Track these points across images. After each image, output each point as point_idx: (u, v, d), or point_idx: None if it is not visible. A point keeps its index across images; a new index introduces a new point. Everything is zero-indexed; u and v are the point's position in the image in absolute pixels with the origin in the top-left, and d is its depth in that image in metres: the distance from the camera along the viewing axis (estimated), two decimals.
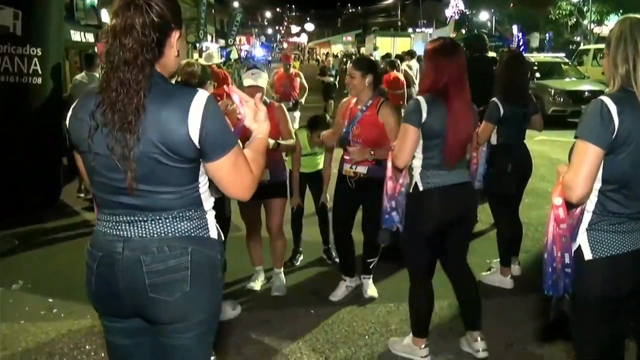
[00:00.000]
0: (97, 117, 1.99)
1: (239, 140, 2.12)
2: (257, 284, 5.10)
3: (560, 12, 33.10)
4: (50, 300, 4.84)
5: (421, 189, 3.58)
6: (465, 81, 3.56)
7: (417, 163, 3.60)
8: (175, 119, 1.96)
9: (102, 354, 3.95)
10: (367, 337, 4.22)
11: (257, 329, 4.32)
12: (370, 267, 4.89)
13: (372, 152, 4.37)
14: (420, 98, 3.52)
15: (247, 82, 4.52)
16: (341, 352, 4.02)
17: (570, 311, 2.66)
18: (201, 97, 2.01)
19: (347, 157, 4.59)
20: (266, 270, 5.23)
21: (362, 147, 4.39)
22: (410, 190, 3.64)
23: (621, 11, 30.50)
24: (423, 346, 3.83)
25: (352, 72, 4.49)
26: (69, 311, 4.61)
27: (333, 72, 21.00)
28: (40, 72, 7.53)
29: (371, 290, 4.88)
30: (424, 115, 3.45)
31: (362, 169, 4.50)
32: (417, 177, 3.60)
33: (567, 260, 2.55)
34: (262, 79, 4.59)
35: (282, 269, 5.13)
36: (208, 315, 2.21)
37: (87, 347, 4.09)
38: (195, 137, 1.98)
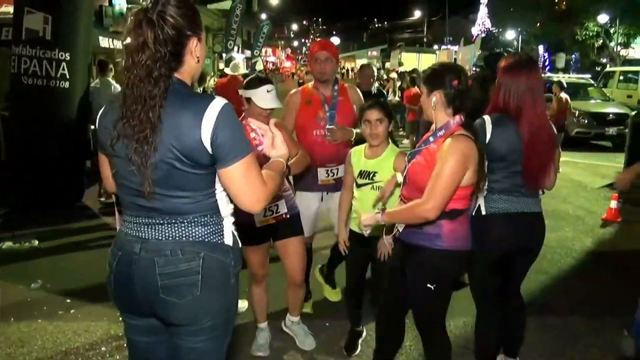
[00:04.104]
0: (118, 128, 2.06)
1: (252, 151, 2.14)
2: (264, 348, 4.10)
3: (587, 33, 32.92)
4: (68, 300, 4.90)
5: (484, 213, 3.31)
6: (542, 100, 3.28)
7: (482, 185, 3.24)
8: (189, 124, 2.00)
9: (117, 357, 4.00)
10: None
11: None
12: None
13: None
14: (486, 117, 3.27)
15: (267, 103, 3.63)
16: None
17: None
18: (217, 103, 2.04)
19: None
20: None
21: (407, 190, 3.12)
22: (473, 213, 3.31)
23: None
24: None
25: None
26: (86, 312, 4.66)
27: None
28: (68, 76, 7.67)
29: None
30: (488, 136, 3.21)
31: (400, 224, 3.26)
32: (480, 200, 3.32)
33: None
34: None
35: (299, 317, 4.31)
36: (219, 320, 2.24)
37: (102, 348, 4.12)
38: (207, 142, 2.01)
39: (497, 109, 3.28)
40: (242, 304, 4.60)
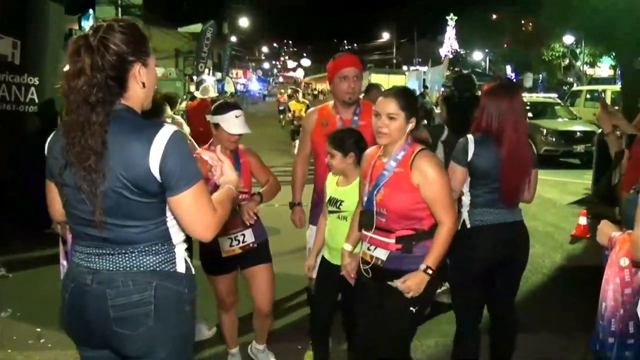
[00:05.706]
0: (64, 155, 2.05)
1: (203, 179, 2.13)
2: None
3: (554, 53, 33.60)
4: (39, 329, 4.81)
5: (469, 226, 3.46)
6: (523, 122, 3.47)
7: (466, 200, 3.49)
8: (138, 152, 2.00)
9: None
10: None
11: None
12: None
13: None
14: (470, 137, 3.45)
15: (235, 129, 3.59)
16: None
17: None
18: (166, 131, 2.04)
19: (366, 233, 3.19)
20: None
21: (387, 221, 3.06)
22: (459, 228, 3.34)
23: (613, 53, 31.06)
24: None
25: (393, 111, 3.01)
26: (56, 340, 4.57)
27: None
28: (37, 101, 7.60)
29: None
30: (470, 154, 3.38)
31: (380, 254, 3.09)
32: (465, 215, 3.48)
33: (631, 330, 2.34)
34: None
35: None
36: (174, 348, 2.19)
37: None
38: (155, 171, 2.00)
39: (480, 129, 3.44)
40: (210, 331, 4.56)
